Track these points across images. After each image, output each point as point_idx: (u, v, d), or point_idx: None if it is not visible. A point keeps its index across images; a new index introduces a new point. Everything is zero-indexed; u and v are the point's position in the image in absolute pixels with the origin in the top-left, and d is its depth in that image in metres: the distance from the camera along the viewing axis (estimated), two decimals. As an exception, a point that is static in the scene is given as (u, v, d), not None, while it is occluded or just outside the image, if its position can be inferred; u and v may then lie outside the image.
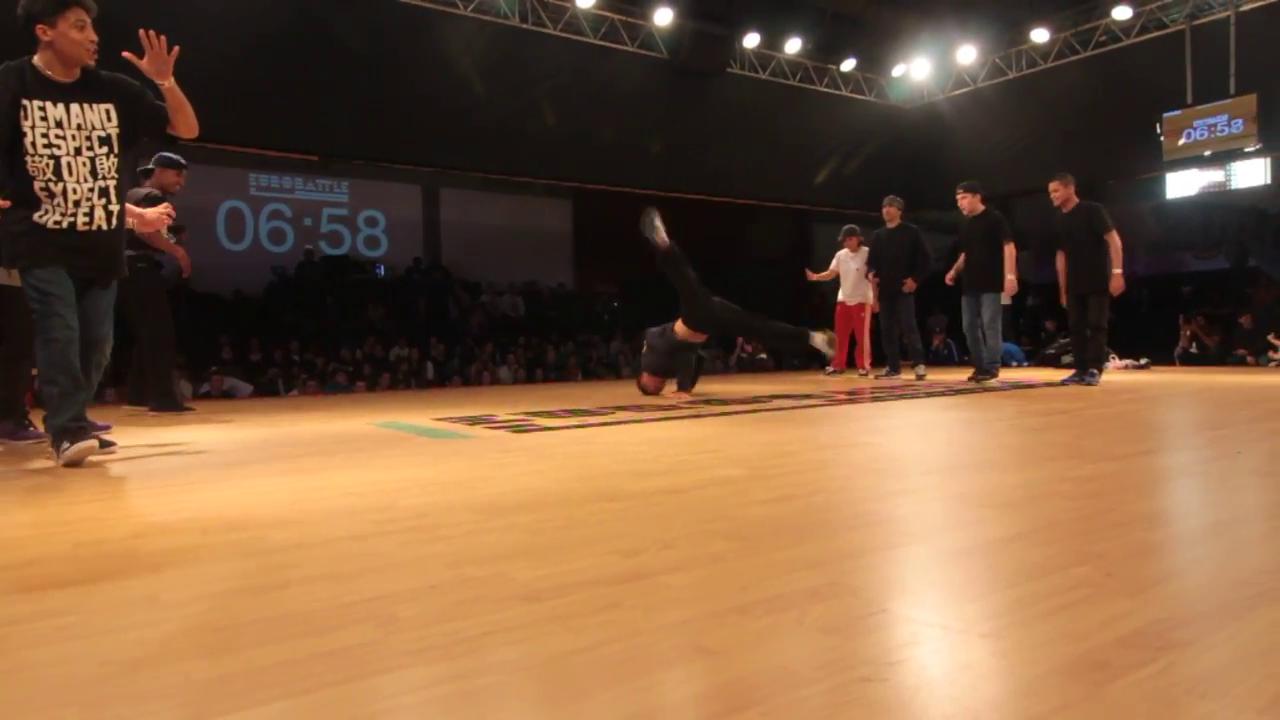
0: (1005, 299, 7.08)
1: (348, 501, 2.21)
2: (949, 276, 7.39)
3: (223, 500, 2.31)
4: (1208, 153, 10.84)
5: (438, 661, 1.07)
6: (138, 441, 4.01)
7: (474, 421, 4.49)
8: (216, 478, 2.73)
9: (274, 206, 12.86)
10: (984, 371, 7.15)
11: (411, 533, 1.81)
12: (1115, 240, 6.37)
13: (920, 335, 8.12)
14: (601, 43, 11.25)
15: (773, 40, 12.27)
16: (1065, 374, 6.97)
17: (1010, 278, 6.87)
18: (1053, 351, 10.55)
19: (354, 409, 5.98)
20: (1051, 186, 6.65)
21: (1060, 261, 6.71)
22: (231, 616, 1.27)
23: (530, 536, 1.76)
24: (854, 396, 5.79)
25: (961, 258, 7.28)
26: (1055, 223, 6.74)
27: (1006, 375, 7.60)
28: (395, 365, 10.93)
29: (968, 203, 7.15)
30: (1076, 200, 6.61)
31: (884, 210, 7.93)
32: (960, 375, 7.90)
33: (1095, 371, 6.50)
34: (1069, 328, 6.88)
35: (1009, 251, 6.90)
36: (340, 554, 1.65)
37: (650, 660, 1.06)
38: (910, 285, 7.67)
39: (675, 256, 5.75)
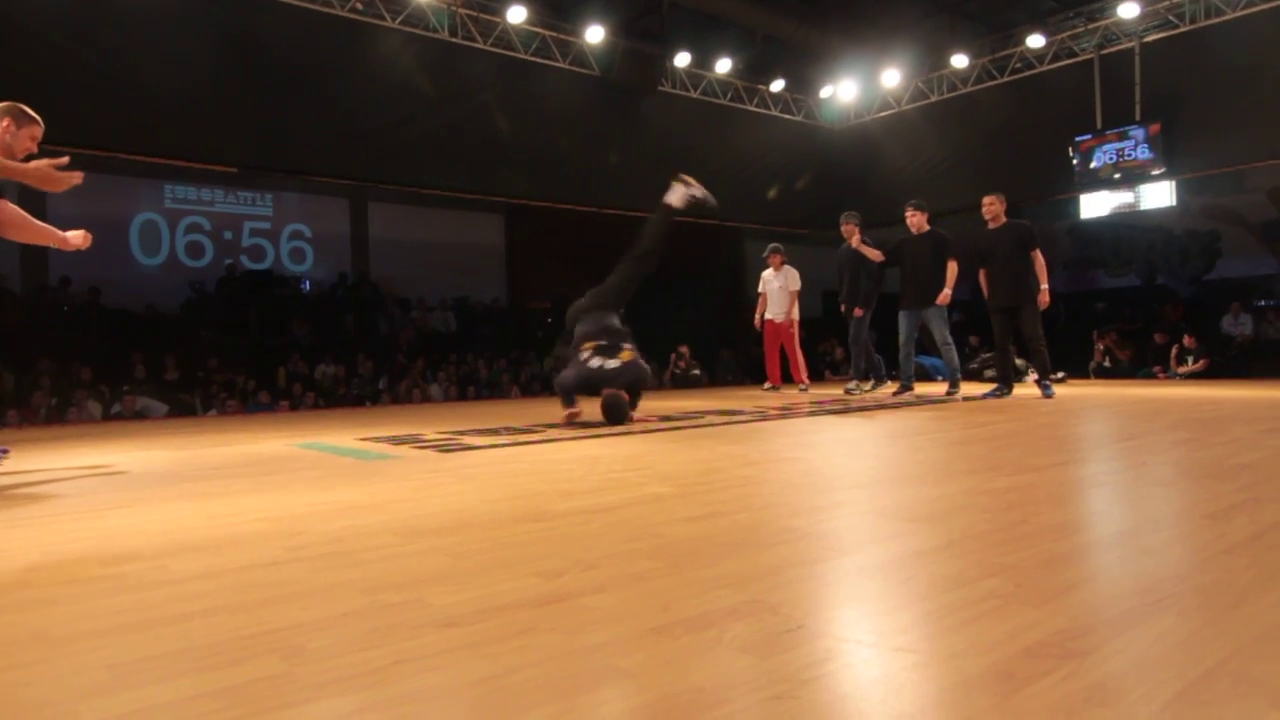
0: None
1: (259, 527, 2.13)
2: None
3: (126, 528, 2.20)
4: (1117, 175, 11.37)
5: (346, 694, 1.03)
6: (39, 465, 3.82)
7: (400, 441, 4.40)
8: (121, 503, 2.61)
9: (192, 219, 12.43)
10: (908, 387, 7.31)
11: (325, 559, 1.76)
12: (1040, 257, 6.61)
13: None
14: (533, 58, 11.24)
15: (703, 59, 12.43)
16: (988, 388, 7.16)
17: (947, 291, 7.05)
18: (975, 366, 10.88)
19: (275, 429, 5.80)
20: (986, 201, 6.85)
21: (983, 277, 6.90)
22: (127, 652, 1.21)
23: (450, 560, 1.72)
24: (786, 412, 5.86)
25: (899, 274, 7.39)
26: (980, 237, 6.93)
27: (928, 390, 7.79)
28: (321, 383, 10.66)
29: (916, 220, 7.26)
30: (1005, 218, 6.84)
31: (842, 228, 7.94)
32: (891, 390, 8.07)
33: (1049, 383, 6.69)
34: (993, 343, 7.06)
35: (952, 268, 7.07)
36: (248, 583, 1.58)
37: (566, 685, 1.04)
38: (857, 312, 7.85)
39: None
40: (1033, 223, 6.93)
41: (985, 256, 6.87)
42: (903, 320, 7.34)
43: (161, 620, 1.35)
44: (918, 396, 7.00)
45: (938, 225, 7.43)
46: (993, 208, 6.83)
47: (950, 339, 7.21)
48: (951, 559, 1.60)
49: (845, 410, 5.87)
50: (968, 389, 8.00)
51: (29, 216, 3.73)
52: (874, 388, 8.00)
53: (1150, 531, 1.86)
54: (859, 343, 7.98)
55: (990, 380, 9.96)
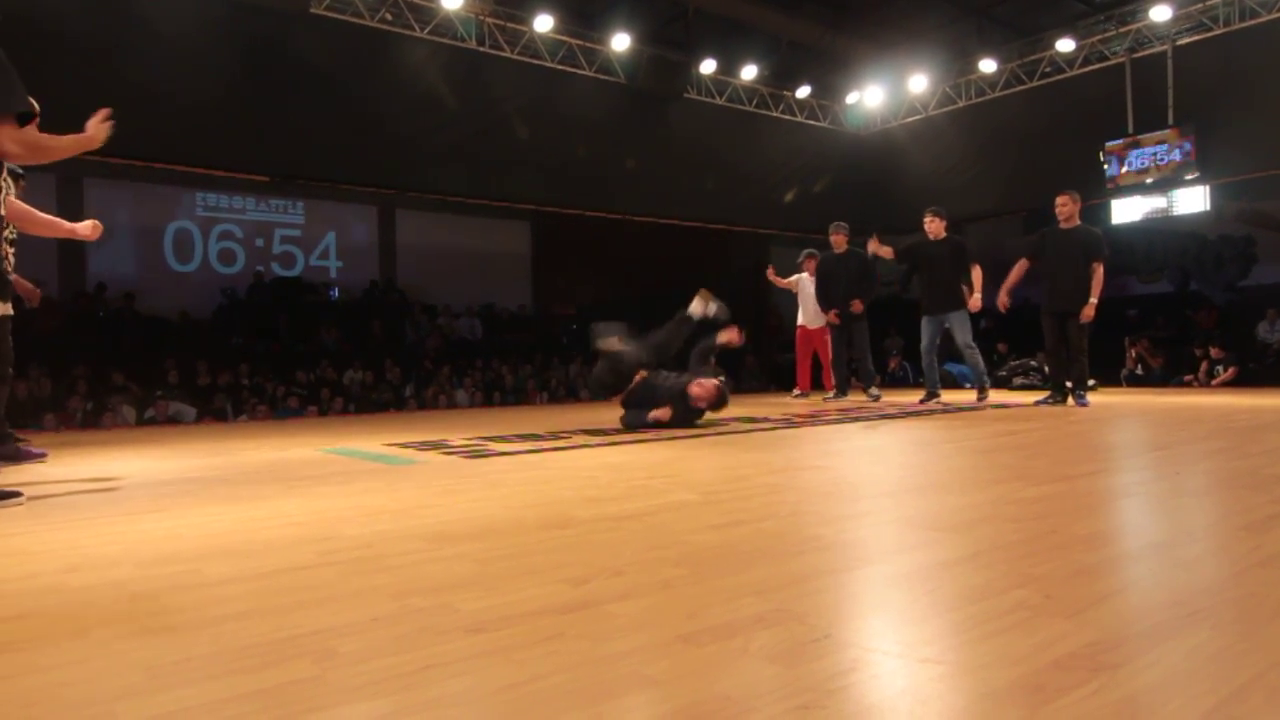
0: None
1: (290, 531, 2.17)
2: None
3: (160, 531, 2.24)
4: (1149, 180, 11.20)
5: (376, 697, 1.05)
6: (74, 472, 3.90)
7: (426, 447, 4.43)
8: (155, 508, 2.66)
9: (224, 227, 12.62)
10: (932, 396, 7.24)
11: (355, 563, 1.78)
12: (1100, 269, 6.45)
13: (874, 358, 8.24)
14: (560, 66, 11.31)
15: (729, 66, 12.43)
16: (1033, 395, 7.06)
17: (977, 296, 6.99)
18: (1004, 373, 10.76)
19: (304, 434, 5.87)
20: (1060, 200, 6.68)
21: (1019, 268, 6.75)
22: (163, 654, 1.23)
23: (478, 566, 1.74)
24: (812, 419, 5.83)
25: (916, 280, 7.34)
26: (1048, 234, 6.74)
27: (956, 398, 7.72)
28: (349, 389, 10.77)
29: (935, 226, 7.24)
30: (1079, 221, 6.70)
31: (831, 237, 8.09)
32: (915, 397, 8.00)
33: (1083, 393, 6.55)
34: (1044, 348, 6.87)
35: (977, 272, 7.01)
36: (279, 586, 1.61)
37: (593, 692, 1.05)
38: (857, 306, 7.84)
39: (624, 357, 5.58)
40: (1103, 233, 6.76)
41: (1039, 253, 6.68)
42: (925, 326, 7.27)
43: (196, 623, 1.38)
44: (944, 404, 6.93)
45: (954, 232, 7.42)
46: (1066, 207, 6.64)
47: (974, 343, 7.15)
48: (979, 569, 1.59)
49: (872, 417, 5.83)
50: (997, 397, 7.91)
51: (33, 210, 3.77)
52: (835, 396, 8.07)
53: (1184, 543, 1.83)
54: (863, 350, 8.03)
55: (1021, 388, 9.88)
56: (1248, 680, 1.02)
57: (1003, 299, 6.82)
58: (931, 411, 6.32)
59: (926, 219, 7.30)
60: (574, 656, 1.17)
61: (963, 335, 7.09)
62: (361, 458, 4.04)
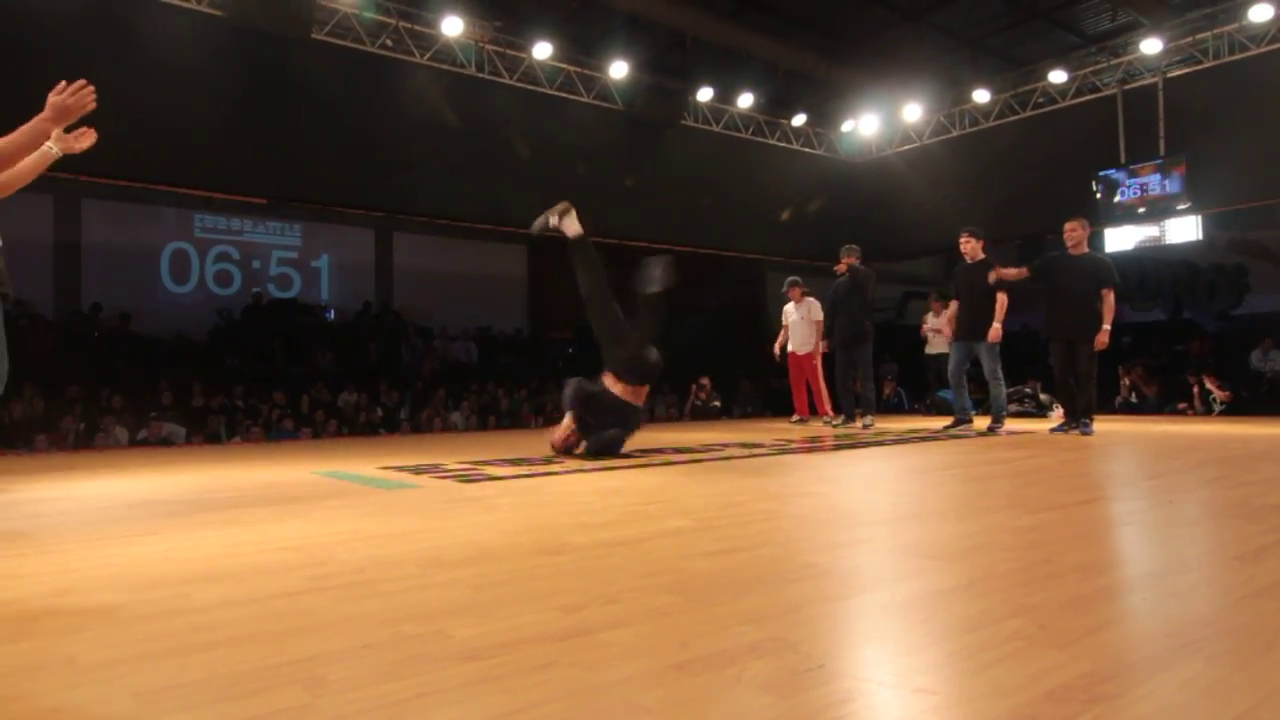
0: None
1: (282, 556, 2.15)
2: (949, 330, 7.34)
3: (151, 555, 2.23)
4: (1141, 210, 11.30)
5: (367, 726, 1.04)
6: (66, 494, 3.87)
7: (421, 470, 4.42)
8: (146, 530, 2.64)
9: (221, 249, 12.66)
10: (962, 422, 7.12)
11: (348, 589, 1.77)
12: (1110, 296, 6.41)
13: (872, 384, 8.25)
14: (557, 93, 11.40)
15: (725, 94, 12.55)
16: (1026, 423, 7.02)
17: (997, 326, 6.84)
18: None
19: (298, 457, 5.85)
20: (1069, 226, 6.63)
21: (1019, 270, 6.72)
22: (152, 680, 1.22)
23: (472, 592, 1.73)
24: (811, 446, 5.82)
25: (954, 304, 7.26)
26: (1055, 260, 6.69)
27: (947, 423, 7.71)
28: (343, 411, 10.74)
29: (970, 247, 7.12)
30: (1087, 248, 6.66)
31: (842, 260, 8.11)
32: (910, 424, 8.01)
33: (1088, 420, 6.45)
34: (1053, 376, 6.80)
35: (1001, 300, 6.84)
36: (271, 612, 1.60)
37: (585, 721, 1.04)
38: (824, 347, 8.14)
39: (591, 261, 5.49)
40: (1112, 260, 6.74)
41: (1043, 275, 6.62)
42: (954, 351, 7.18)
43: (186, 648, 1.37)
44: (950, 431, 6.89)
45: (955, 259, 7.40)
46: (1076, 233, 6.58)
47: (1000, 374, 6.99)
48: (974, 599, 1.58)
49: (867, 444, 5.82)
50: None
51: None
52: (843, 422, 8.07)
53: (1177, 573, 1.83)
54: (867, 378, 8.03)
55: (1014, 415, 9.87)
56: (1243, 712, 1.01)
57: (1004, 272, 6.73)
58: (930, 438, 6.31)
59: (962, 239, 7.18)
60: (567, 685, 1.16)
61: (990, 364, 6.94)
62: (355, 481, 4.03)
